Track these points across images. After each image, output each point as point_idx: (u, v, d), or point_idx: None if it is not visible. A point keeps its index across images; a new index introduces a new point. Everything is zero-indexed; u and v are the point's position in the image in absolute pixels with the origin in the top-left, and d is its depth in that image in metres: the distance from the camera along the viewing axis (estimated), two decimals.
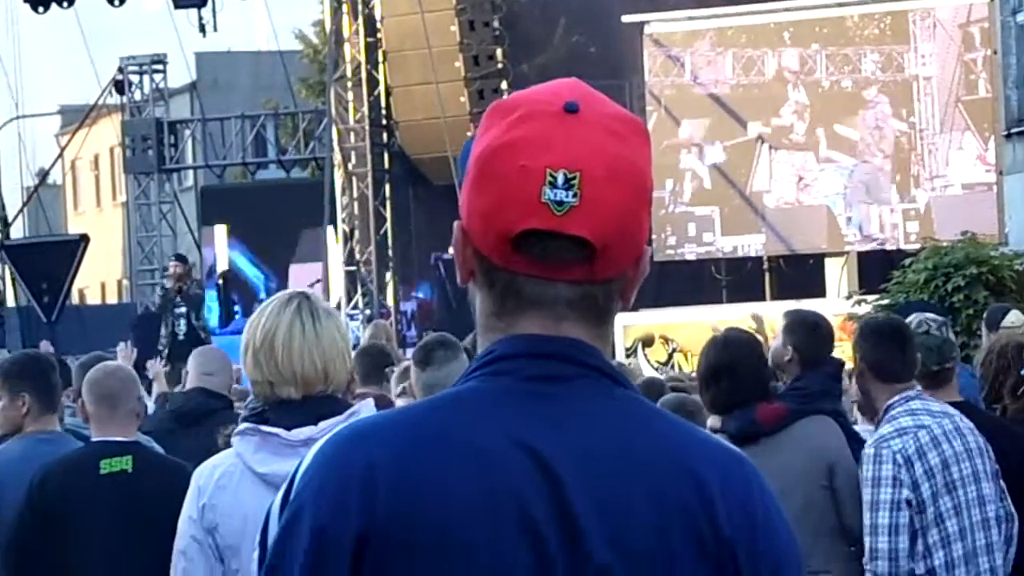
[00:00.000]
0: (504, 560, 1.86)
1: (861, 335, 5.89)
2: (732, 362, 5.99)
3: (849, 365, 6.48)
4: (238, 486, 3.84)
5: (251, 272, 26.19)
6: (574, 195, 1.89)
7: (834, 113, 20.98)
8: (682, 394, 7.20)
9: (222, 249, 26.10)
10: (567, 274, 1.93)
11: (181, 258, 21.03)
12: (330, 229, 23.79)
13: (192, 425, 7.28)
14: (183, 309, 20.00)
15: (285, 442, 3.77)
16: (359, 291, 23.38)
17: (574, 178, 1.90)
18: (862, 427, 6.41)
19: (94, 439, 5.58)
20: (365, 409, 3.83)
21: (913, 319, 6.22)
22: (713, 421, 6.07)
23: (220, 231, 26.19)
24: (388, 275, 23.55)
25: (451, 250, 2.02)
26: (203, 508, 3.88)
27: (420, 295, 24.26)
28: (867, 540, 5.54)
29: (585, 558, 1.86)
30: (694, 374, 7.47)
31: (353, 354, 4.76)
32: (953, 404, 5.99)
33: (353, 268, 23.49)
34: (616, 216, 1.91)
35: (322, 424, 3.74)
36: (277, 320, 3.87)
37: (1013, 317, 8.12)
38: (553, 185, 1.89)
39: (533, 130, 1.91)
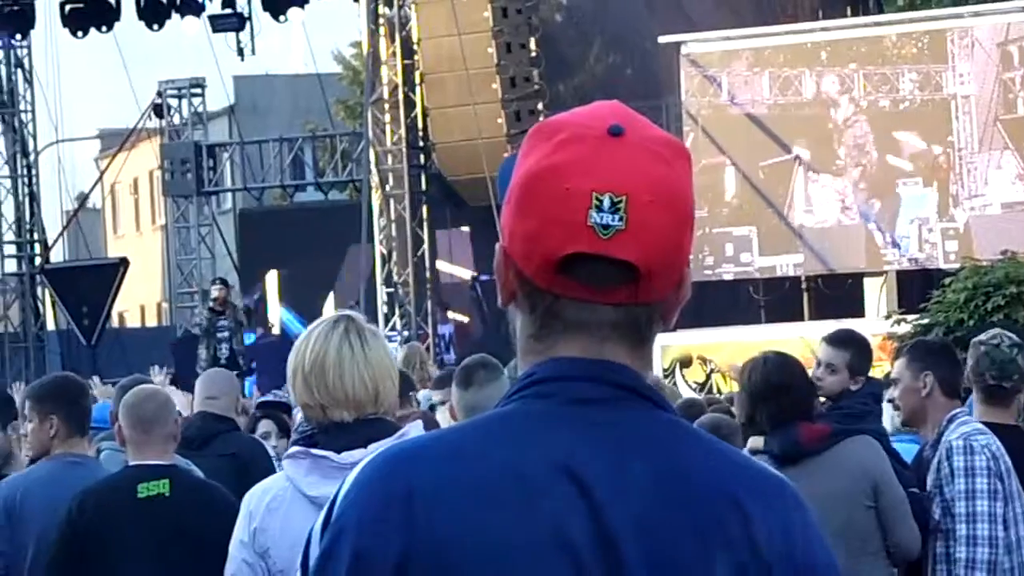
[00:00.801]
0: None
1: (932, 353, 5.98)
2: (788, 381, 5.98)
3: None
4: (289, 510, 3.84)
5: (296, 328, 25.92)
6: (620, 219, 1.88)
7: (872, 132, 20.93)
8: (717, 415, 7.18)
9: (273, 301, 25.84)
10: (611, 297, 1.92)
11: (223, 281, 21.12)
12: (367, 247, 23.77)
13: (197, 449, 7.27)
14: (226, 333, 20.09)
15: (336, 465, 3.76)
16: (396, 313, 23.41)
17: (620, 202, 1.89)
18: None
19: (131, 463, 5.59)
20: (414, 430, 3.83)
21: (992, 331, 6.29)
22: (755, 442, 6.05)
23: (271, 280, 25.84)
24: (426, 297, 23.59)
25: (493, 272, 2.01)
26: (255, 532, 3.88)
27: (457, 317, 24.28)
28: (962, 528, 5.55)
29: None
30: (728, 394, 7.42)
31: None
32: (1006, 427, 5.98)
33: (391, 290, 23.53)
34: (662, 240, 1.90)
35: (372, 447, 3.72)
36: (326, 343, 3.87)
37: None
38: (599, 208, 1.89)
39: (578, 153, 1.91)
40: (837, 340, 6.33)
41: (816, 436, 5.94)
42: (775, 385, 5.96)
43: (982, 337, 6.26)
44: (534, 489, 1.87)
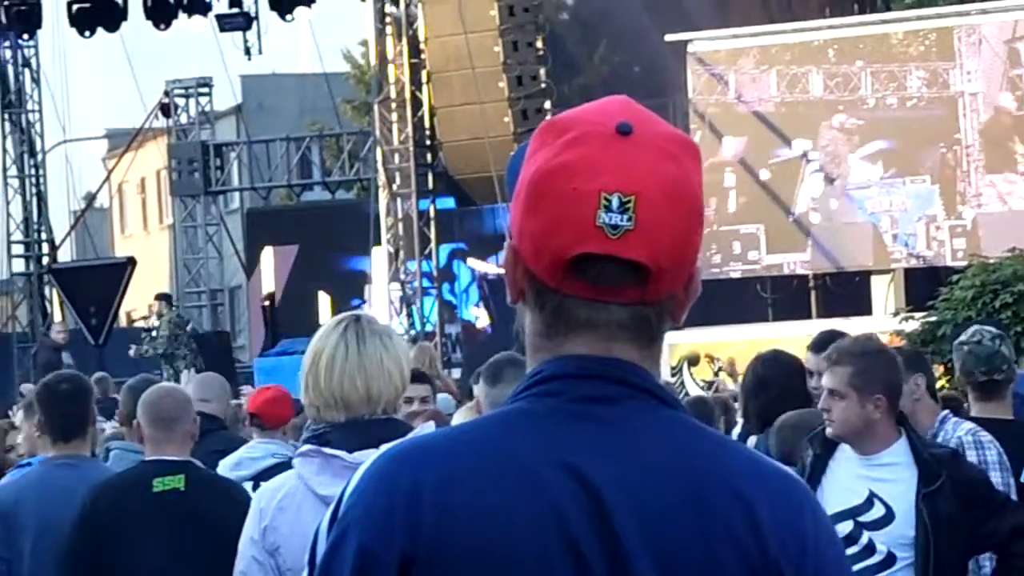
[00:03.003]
0: None
1: (919, 357, 5.98)
2: (772, 374, 5.98)
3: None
4: (299, 508, 3.84)
5: None
6: (629, 219, 1.88)
7: (878, 130, 20.92)
8: (699, 395, 7.18)
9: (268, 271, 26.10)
10: (621, 296, 1.92)
11: (165, 297, 21.05)
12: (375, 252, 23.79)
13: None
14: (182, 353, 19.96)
15: (347, 464, 3.75)
16: (404, 312, 23.41)
17: (629, 201, 1.88)
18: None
19: (147, 458, 5.61)
20: (425, 431, 3.82)
21: (971, 330, 6.29)
22: (748, 444, 6.05)
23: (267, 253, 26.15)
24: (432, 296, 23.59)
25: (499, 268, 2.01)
26: (264, 530, 3.88)
27: (465, 316, 24.28)
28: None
29: None
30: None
31: None
32: (1002, 421, 5.98)
33: (398, 289, 23.54)
34: (672, 239, 1.90)
35: (383, 447, 3.72)
36: (324, 343, 3.89)
37: None
38: (608, 209, 1.88)
39: (586, 152, 1.90)
40: (822, 346, 6.24)
41: None
42: (760, 378, 5.98)
43: (963, 338, 6.27)
44: (539, 489, 1.87)
